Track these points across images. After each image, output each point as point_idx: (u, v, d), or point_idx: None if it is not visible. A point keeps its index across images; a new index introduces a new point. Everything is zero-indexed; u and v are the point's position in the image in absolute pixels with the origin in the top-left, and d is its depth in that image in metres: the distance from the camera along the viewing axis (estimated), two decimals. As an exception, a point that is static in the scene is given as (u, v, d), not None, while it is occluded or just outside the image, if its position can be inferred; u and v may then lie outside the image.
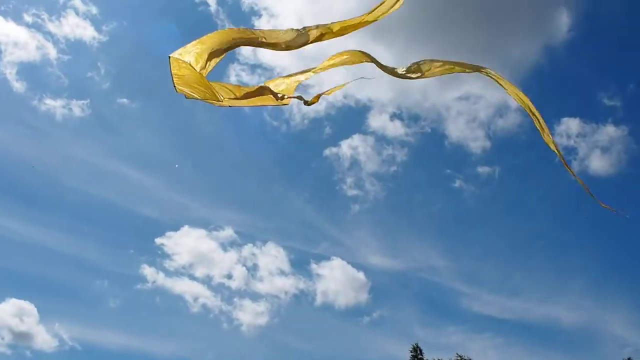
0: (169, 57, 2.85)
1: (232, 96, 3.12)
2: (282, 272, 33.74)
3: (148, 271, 34.02)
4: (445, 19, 32.52)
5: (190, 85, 2.90)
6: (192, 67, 2.82)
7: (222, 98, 2.98)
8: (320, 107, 37.83)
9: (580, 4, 33.36)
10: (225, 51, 3.05)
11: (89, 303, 33.38)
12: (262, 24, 36.18)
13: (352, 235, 34.65)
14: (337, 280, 31.74)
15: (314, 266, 33.06)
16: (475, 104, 34.54)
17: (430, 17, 33.57)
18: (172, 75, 2.85)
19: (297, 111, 36.05)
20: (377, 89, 36.22)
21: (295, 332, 32.85)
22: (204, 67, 2.89)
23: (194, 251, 36.17)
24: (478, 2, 32.37)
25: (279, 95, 3.24)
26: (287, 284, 31.15)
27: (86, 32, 32.78)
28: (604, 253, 32.03)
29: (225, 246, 32.72)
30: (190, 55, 2.86)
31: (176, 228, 37.39)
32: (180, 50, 2.88)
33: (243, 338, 30.63)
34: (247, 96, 3.16)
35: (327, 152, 33.66)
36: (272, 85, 3.35)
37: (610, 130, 31.45)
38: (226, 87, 3.15)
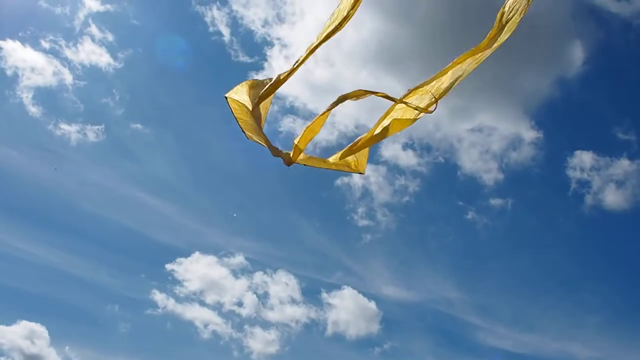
0: (225, 97, 2.85)
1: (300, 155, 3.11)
2: (293, 301, 33.60)
3: (159, 297, 33.96)
4: (459, 50, 32.67)
5: (256, 132, 2.91)
6: (249, 111, 2.82)
7: (282, 153, 2.98)
8: (332, 136, 37.95)
9: (595, 36, 33.47)
10: (273, 90, 3.05)
11: (100, 327, 33.30)
12: (274, 53, 36.55)
13: (366, 266, 34.48)
14: (348, 310, 31.56)
15: (324, 295, 32.90)
16: (490, 135, 34.56)
17: (443, 48, 33.75)
18: (236, 119, 2.85)
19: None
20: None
21: (306, 361, 32.60)
22: (257, 105, 2.90)
23: (205, 278, 36.12)
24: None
25: (353, 165, 3.20)
26: (298, 313, 31.02)
27: (102, 58, 33.26)
28: (621, 289, 31.68)
29: (236, 273, 32.69)
30: (243, 94, 2.86)
31: (187, 254, 37.38)
32: (234, 89, 2.89)
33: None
34: (316, 161, 3.14)
35: (338, 182, 33.67)
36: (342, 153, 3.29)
37: (624, 164, 31.32)
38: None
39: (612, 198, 30.05)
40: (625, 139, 31.49)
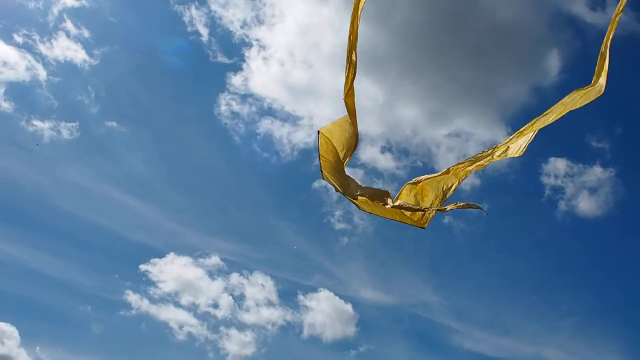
0: (318, 132, 2.90)
1: (365, 202, 3.18)
2: (270, 303, 33.52)
3: (132, 298, 33.54)
4: (437, 54, 33.03)
5: (333, 173, 2.96)
6: (337, 153, 2.87)
7: (355, 196, 3.04)
8: (309, 138, 38.05)
9: (571, 46, 34.14)
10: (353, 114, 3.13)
11: (72, 327, 32.74)
12: (253, 54, 36.41)
13: (344, 269, 34.57)
14: (324, 312, 31.63)
15: (301, 297, 32.90)
16: (467, 141, 34.99)
17: (423, 52, 34.07)
18: (319, 155, 2.89)
19: (286, 142, 36.22)
20: (367, 122, 36.59)
21: (282, 364, 32.58)
22: (344, 157, 2.96)
23: (180, 278, 35.83)
24: (471, 39, 32.97)
25: (419, 219, 3.28)
26: (274, 315, 30.96)
27: (77, 54, 32.76)
28: (597, 295, 32.30)
29: (212, 274, 32.49)
30: (337, 135, 2.91)
31: (162, 255, 36.99)
32: (329, 126, 2.93)
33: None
34: (382, 211, 3.21)
35: (315, 184, 33.76)
36: (403, 200, 3.36)
37: (597, 172, 32.02)
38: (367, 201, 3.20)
39: (585, 204, 30.64)
40: (598, 147, 32.12)
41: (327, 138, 2.93)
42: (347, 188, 3.04)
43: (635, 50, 32.83)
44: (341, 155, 2.97)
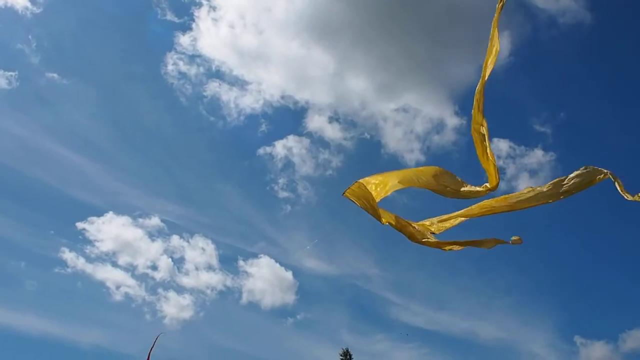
0: (358, 182, 3.00)
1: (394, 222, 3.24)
2: (210, 267, 33.39)
3: (68, 255, 32.79)
4: (392, 26, 33.03)
5: (358, 197, 3.00)
6: (368, 190, 2.94)
7: (383, 220, 3.11)
8: (257, 104, 37.60)
9: (522, 30, 34.76)
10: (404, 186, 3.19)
11: (4, 283, 31.87)
12: (202, 14, 35.51)
13: (288, 237, 34.71)
14: (264, 279, 31.76)
15: (241, 263, 32.91)
16: (415, 117, 35.37)
17: (377, 22, 34.02)
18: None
19: (234, 106, 35.68)
20: (316, 91, 36.42)
21: (220, 328, 32.62)
22: (378, 195, 3.02)
23: (118, 239, 35.19)
24: (425, 15, 33.04)
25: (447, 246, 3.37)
26: (214, 280, 30.89)
27: (18, 0, 31.22)
28: (529, 274, 33.49)
29: (152, 235, 32.07)
30: (374, 187, 2.99)
31: (100, 213, 36.21)
32: (368, 179, 3.02)
33: (166, 330, 30.13)
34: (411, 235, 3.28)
35: (260, 151, 33.59)
36: (424, 227, 3.43)
37: (539, 155, 33.06)
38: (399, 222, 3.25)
39: (525, 186, 31.51)
40: (541, 131, 33.10)
41: (362, 185, 3.01)
42: (374, 212, 3.12)
43: (582, 37, 33.70)
44: (375, 194, 3.06)
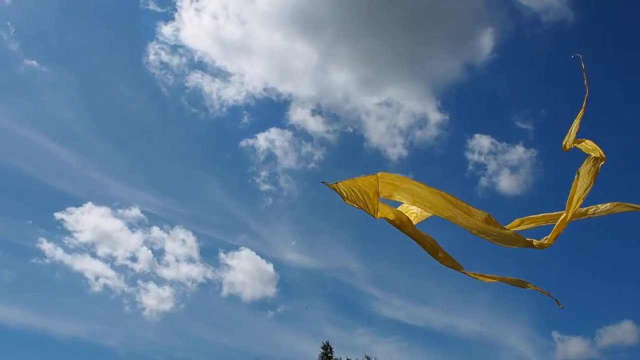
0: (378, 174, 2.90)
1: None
2: (190, 259, 33.22)
3: (46, 246, 32.40)
4: (374, 21, 32.94)
5: (348, 187, 2.89)
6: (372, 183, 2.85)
7: (376, 214, 2.97)
8: (239, 96, 37.32)
9: (506, 27, 34.87)
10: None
11: (-19, 273, 31.43)
12: (185, 4, 35.07)
13: (270, 230, 34.58)
14: (245, 271, 31.67)
15: (222, 255, 32.78)
16: (398, 111, 35.37)
17: (360, 16, 33.89)
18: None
19: (216, 98, 35.41)
20: (299, 84, 36.24)
21: (200, 321, 32.46)
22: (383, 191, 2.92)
23: (97, 229, 34.85)
24: (408, 9, 32.98)
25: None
26: (195, 272, 30.74)
27: None
28: (508, 270, 33.54)
29: (132, 226, 31.81)
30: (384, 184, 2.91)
31: (79, 204, 35.82)
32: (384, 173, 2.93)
33: (145, 323, 29.96)
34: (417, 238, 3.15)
35: (242, 143, 33.40)
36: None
37: (520, 151, 33.25)
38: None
39: (506, 182, 31.79)
40: (523, 128, 33.28)
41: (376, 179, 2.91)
42: (368, 205, 2.99)
43: (565, 35, 33.92)
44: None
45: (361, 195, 2.93)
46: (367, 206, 2.93)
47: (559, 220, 3.35)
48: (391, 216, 3.06)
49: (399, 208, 3.21)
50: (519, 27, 35.89)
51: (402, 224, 3.08)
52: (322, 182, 2.98)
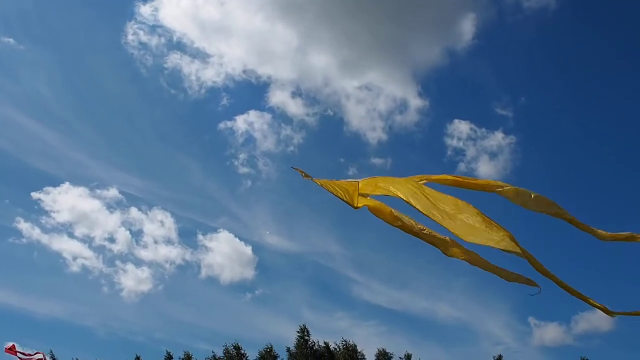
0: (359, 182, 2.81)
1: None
2: (169, 241, 33.04)
3: (23, 226, 32.08)
4: (356, 4, 32.77)
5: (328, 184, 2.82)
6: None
7: (356, 204, 2.88)
8: (218, 78, 36.96)
9: (488, 13, 34.90)
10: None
11: (-44, 252, 31.09)
12: None
13: (250, 213, 34.55)
14: (224, 254, 31.66)
15: (201, 237, 32.69)
16: (378, 96, 35.35)
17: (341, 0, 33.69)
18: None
19: (195, 79, 35.07)
20: (279, 67, 36.01)
21: (179, 302, 32.48)
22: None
23: (75, 210, 34.52)
24: (391, -7, 32.84)
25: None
26: (173, 254, 30.65)
27: None
28: (488, 257, 34.00)
29: (110, 207, 31.55)
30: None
31: (57, 184, 35.46)
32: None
33: (124, 303, 29.90)
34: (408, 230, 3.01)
35: (221, 125, 33.26)
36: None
37: (499, 138, 33.45)
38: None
39: (485, 168, 32.03)
40: (503, 115, 33.51)
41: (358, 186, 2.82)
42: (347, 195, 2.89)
43: (546, 22, 34.00)
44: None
45: (339, 188, 2.88)
46: (345, 197, 2.87)
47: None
48: (372, 204, 2.99)
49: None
50: (500, 14, 36.03)
51: (381, 212, 2.99)
52: (293, 168, 2.92)
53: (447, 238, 2.99)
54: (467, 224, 2.78)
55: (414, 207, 2.83)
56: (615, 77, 35.08)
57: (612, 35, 35.87)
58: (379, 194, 2.98)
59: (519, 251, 2.70)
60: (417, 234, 3.00)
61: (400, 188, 2.93)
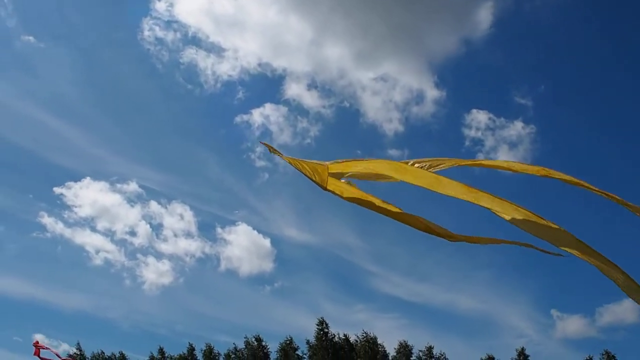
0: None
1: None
2: (188, 234, 33.15)
3: (47, 220, 32.39)
4: None
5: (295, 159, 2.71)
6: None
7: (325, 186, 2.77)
8: (234, 72, 36.86)
9: (505, 2, 34.29)
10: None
11: (-16, 245, 31.59)
12: None
13: (269, 206, 34.54)
14: (242, 246, 31.71)
15: (219, 230, 32.74)
16: (394, 87, 34.99)
17: None
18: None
19: (210, 73, 35.08)
20: (294, 59, 35.87)
21: (199, 294, 32.65)
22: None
23: (96, 204, 34.78)
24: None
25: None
26: (193, 247, 30.76)
27: None
28: (507, 249, 33.71)
29: (131, 201, 31.77)
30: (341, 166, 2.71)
31: (78, 178, 35.77)
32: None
33: (146, 296, 30.12)
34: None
35: (237, 119, 33.26)
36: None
37: (518, 127, 32.89)
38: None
39: (504, 158, 31.50)
40: (521, 103, 32.97)
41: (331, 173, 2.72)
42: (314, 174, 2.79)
43: (565, 8, 33.33)
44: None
45: (309, 167, 2.76)
46: (315, 176, 2.76)
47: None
48: (343, 186, 2.88)
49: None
50: (517, 1, 35.37)
51: (353, 194, 2.89)
52: (261, 142, 2.83)
53: (421, 218, 2.87)
54: (453, 184, 2.74)
55: (398, 180, 2.79)
56: (637, 63, 34.35)
57: (634, 21, 35.11)
58: (355, 171, 2.87)
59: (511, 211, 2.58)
60: (395, 216, 2.88)
61: (379, 165, 2.85)
